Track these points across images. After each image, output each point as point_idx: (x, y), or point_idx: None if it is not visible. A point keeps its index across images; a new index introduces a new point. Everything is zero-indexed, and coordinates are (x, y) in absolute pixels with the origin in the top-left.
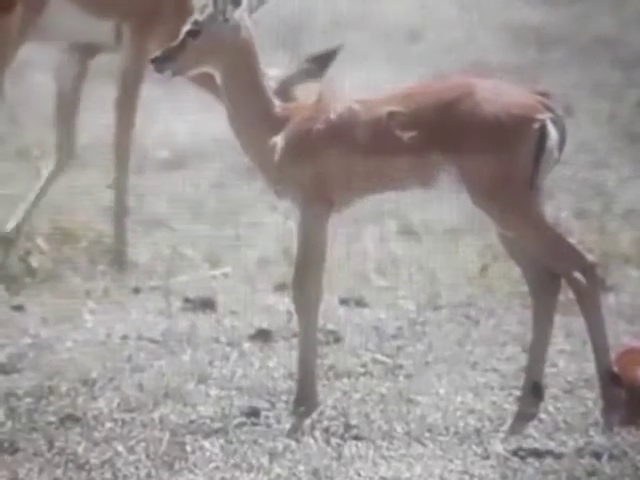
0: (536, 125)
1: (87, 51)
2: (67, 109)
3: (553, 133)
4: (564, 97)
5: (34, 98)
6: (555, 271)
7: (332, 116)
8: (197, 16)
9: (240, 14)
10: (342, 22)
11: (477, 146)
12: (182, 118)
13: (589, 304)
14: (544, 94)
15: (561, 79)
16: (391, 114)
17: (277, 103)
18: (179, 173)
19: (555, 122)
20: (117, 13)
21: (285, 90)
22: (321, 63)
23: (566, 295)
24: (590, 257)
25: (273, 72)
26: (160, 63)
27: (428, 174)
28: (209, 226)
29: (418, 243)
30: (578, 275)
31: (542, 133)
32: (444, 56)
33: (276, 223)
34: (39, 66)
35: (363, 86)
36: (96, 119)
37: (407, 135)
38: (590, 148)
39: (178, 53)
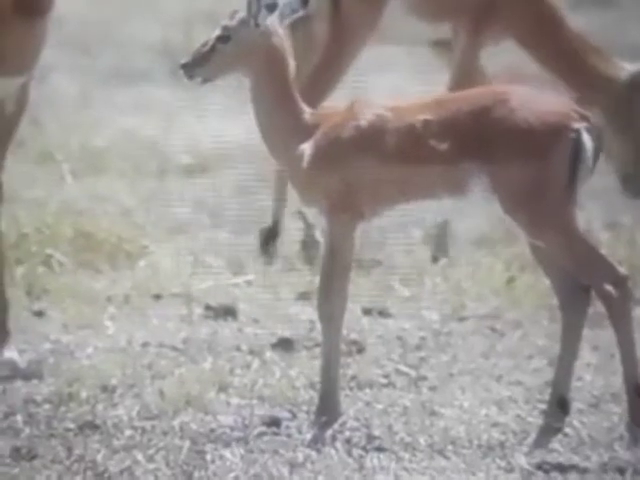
0: (571, 134)
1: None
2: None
3: (588, 142)
4: None
5: (55, 101)
6: (586, 283)
7: (362, 123)
8: (227, 21)
9: (272, 20)
10: None
11: (510, 154)
12: (205, 124)
13: (620, 317)
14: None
15: None
16: (422, 122)
17: (306, 109)
18: (202, 179)
19: (590, 131)
20: (452, 16)
21: None
22: None
23: (592, 307)
24: (622, 269)
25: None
26: (190, 69)
27: (459, 183)
28: (231, 233)
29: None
30: (609, 287)
31: (577, 142)
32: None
33: (299, 230)
34: (60, 69)
35: (390, 94)
36: (113, 123)
37: (438, 143)
38: None
39: (208, 59)
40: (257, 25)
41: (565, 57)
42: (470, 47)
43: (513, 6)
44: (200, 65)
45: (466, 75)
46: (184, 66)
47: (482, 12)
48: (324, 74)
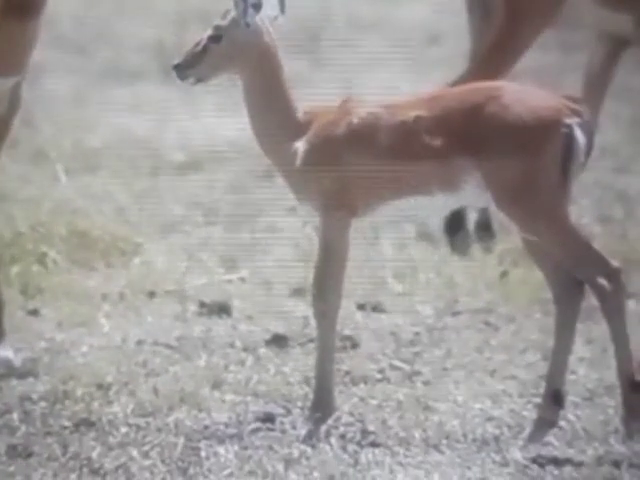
0: (563, 129)
1: (617, 40)
2: (594, 91)
3: (580, 138)
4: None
5: (49, 100)
6: (579, 276)
7: (355, 120)
8: (219, 21)
9: (262, 19)
10: (361, 26)
11: (503, 150)
12: (198, 122)
13: (613, 310)
14: (572, 98)
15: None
16: (415, 118)
17: (299, 107)
18: (195, 177)
19: (582, 127)
20: (633, 9)
21: None
22: None
23: (585, 301)
24: (615, 263)
25: None
26: (182, 70)
27: (452, 179)
28: (225, 230)
29: (436, 248)
30: (602, 281)
31: (569, 138)
32: (465, 60)
33: (293, 227)
34: (53, 68)
35: (382, 91)
36: (107, 122)
37: (431, 139)
38: (613, 153)
39: (200, 59)
40: (247, 25)
41: None
42: None
43: None
44: (192, 66)
45: None
46: (176, 67)
47: None
48: (496, 56)
